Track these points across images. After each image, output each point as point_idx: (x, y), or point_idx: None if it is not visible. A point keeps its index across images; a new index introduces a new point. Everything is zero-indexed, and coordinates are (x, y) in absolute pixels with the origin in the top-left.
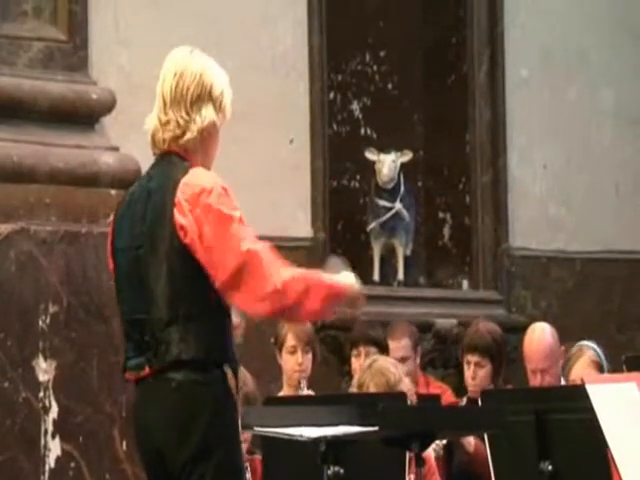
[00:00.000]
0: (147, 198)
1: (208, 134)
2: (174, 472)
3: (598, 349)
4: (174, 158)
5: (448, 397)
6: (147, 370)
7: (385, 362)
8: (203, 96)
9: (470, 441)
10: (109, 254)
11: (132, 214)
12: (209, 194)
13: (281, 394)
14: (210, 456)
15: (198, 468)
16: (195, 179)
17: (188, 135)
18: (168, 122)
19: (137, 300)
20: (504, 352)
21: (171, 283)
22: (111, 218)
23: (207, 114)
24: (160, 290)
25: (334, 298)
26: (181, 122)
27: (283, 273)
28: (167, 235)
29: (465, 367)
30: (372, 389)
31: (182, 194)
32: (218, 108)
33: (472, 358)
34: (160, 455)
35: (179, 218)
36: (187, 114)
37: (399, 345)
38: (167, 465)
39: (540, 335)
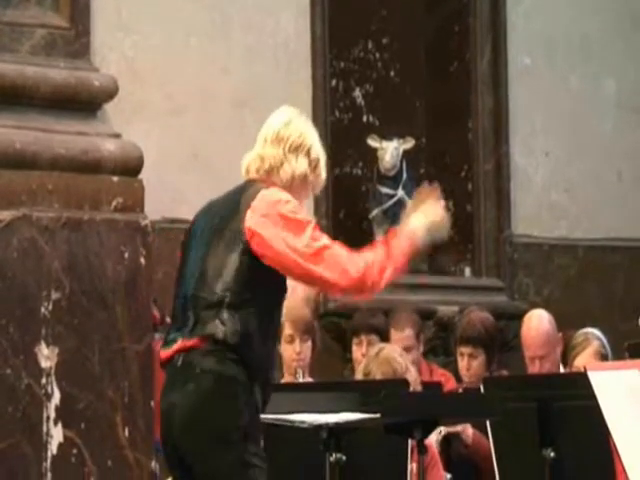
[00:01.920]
0: (228, 200)
1: (298, 185)
2: (188, 460)
3: (603, 338)
4: (261, 183)
5: (452, 384)
6: (179, 343)
7: (392, 351)
8: (302, 149)
9: (468, 433)
10: (183, 241)
11: (209, 212)
12: (285, 204)
13: (284, 381)
14: (224, 451)
15: (208, 462)
16: (274, 192)
17: (281, 173)
18: (265, 157)
19: (190, 280)
20: (497, 341)
21: (224, 269)
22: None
23: (302, 163)
24: (212, 273)
25: (411, 255)
26: (277, 159)
27: (357, 260)
28: (234, 229)
29: (459, 358)
30: (379, 377)
31: (259, 202)
32: (312, 168)
33: (465, 350)
34: (177, 441)
35: (250, 219)
36: (284, 155)
37: (402, 335)
38: (182, 451)
39: (538, 322)
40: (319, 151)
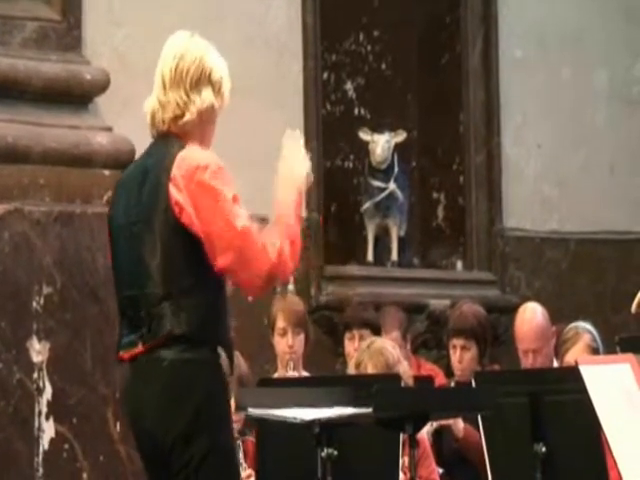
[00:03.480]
0: (144, 175)
1: (207, 117)
2: (164, 452)
3: (594, 331)
4: (172, 139)
5: (440, 379)
6: (140, 347)
7: (383, 343)
8: (203, 79)
9: (459, 427)
10: (108, 232)
11: (128, 192)
12: (204, 170)
13: (276, 375)
14: (200, 438)
15: (187, 449)
16: (191, 156)
17: (187, 116)
18: (168, 103)
19: (133, 276)
20: (489, 333)
21: (166, 258)
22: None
23: (206, 96)
24: (155, 265)
25: (298, 228)
26: (180, 103)
27: (270, 246)
28: (162, 210)
29: (451, 351)
30: (370, 369)
31: (178, 170)
32: (217, 92)
33: (458, 342)
34: (151, 435)
35: (174, 193)
36: (186, 95)
37: (390, 337)
38: (157, 445)
39: (531, 315)
40: (220, 68)
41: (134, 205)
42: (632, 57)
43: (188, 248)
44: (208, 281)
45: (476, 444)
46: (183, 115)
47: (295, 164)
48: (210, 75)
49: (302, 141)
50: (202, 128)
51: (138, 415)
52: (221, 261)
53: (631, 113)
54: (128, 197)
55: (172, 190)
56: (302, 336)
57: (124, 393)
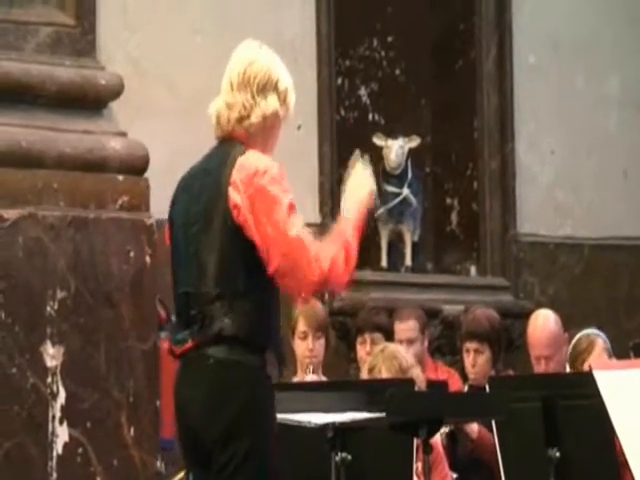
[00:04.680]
0: (204, 176)
1: (270, 123)
2: (205, 449)
3: (603, 334)
4: (234, 143)
5: (456, 382)
6: (190, 343)
7: (397, 348)
8: (269, 86)
9: (474, 428)
10: (167, 230)
11: (188, 193)
12: (263, 175)
13: (295, 379)
14: (239, 440)
15: (227, 450)
16: (251, 161)
17: (252, 118)
18: (234, 103)
19: (189, 275)
20: (502, 337)
21: (221, 259)
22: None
23: (272, 102)
24: (210, 265)
25: (360, 232)
26: (247, 105)
27: (324, 253)
28: (221, 212)
29: (464, 355)
30: (384, 372)
31: (238, 173)
32: (282, 102)
33: (471, 345)
34: (193, 433)
35: (233, 196)
36: (252, 98)
37: (406, 327)
38: (198, 443)
39: (544, 322)
40: (286, 79)
41: (193, 206)
42: None
43: (244, 251)
44: (261, 285)
45: (490, 446)
46: (248, 117)
47: (361, 183)
48: (276, 84)
49: (369, 164)
50: (265, 134)
51: (183, 411)
52: (273, 266)
53: None
54: (188, 198)
55: (231, 193)
56: (322, 340)
57: (175, 385)
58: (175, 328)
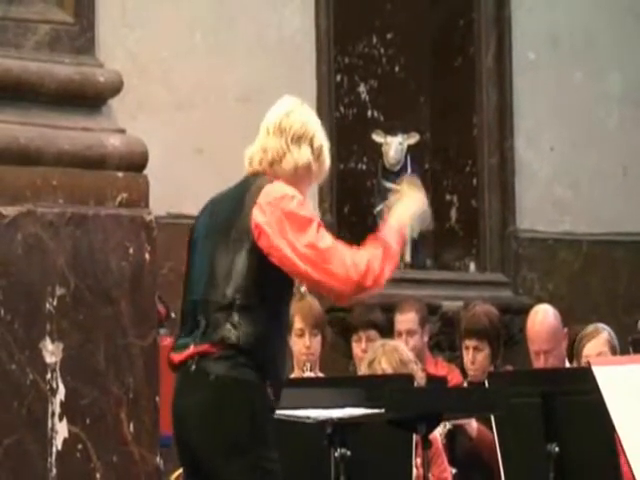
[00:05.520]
0: (229, 198)
1: (301, 174)
2: (203, 466)
3: (612, 333)
4: (264, 176)
5: (456, 377)
6: (191, 349)
7: (397, 343)
8: (304, 138)
9: (473, 426)
10: (187, 244)
11: (213, 208)
12: (291, 199)
13: (292, 376)
14: (238, 458)
15: (226, 468)
16: (278, 187)
17: (284, 164)
18: (268, 147)
19: (199, 284)
20: (502, 333)
21: (234, 272)
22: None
23: (305, 153)
24: (222, 277)
25: (401, 246)
26: (280, 151)
27: (359, 261)
28: (240, 227)
29: (464, 352)
30: (384, 364)
31: (265, 197)
32: (316, 157)
33: (470, 343)
34: (191, 448)
35: (257, 216)
36: (287, 146)
37: (406, 318)
38: (196, 458)
39: (543, 317)
40: (322, 139)
41: (214, 220)
42: None
43: (258, 270)
44: (271, 303)
45: (490, 444)
46: (280, 162)
47: (416, 202)
48: (312, 138)
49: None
50: (294, 182)
51: (181, 425)
52: (310, 275)
53: None
54: (212, 213)
55: (255, 213)
56: (319, 337)
57: (173, 398)
58: (178, 335)
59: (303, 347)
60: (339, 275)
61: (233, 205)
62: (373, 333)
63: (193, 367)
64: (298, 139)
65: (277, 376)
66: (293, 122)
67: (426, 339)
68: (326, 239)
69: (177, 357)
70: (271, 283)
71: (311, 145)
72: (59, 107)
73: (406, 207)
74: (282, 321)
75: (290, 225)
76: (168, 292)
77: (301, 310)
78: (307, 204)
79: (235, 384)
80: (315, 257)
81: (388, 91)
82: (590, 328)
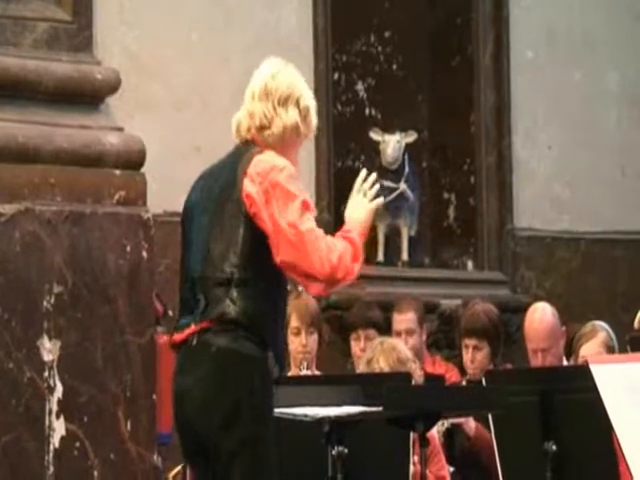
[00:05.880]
0: (220, 171)
1: (290, 137)
2: (203, 439)
3: (611, 331)
4: (254, 145)
5: (454, 376)
6: (192, 327)
7: (396, 341)
8: (291, 100)
9: (471, 425)
10: (181, 223)
11: (204, 184)
12: (280, 171)
13: (289, 374)
14: (237, 430)
15: (225, 440)
16: (268, 157)
17: (273, 129)
18: (255, 112)
19: (195, 261)
20: (501, 332)
21: (229, 246)
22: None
23: (292, 115)
24: (218, 252)
25: (363, 241)
26: (267, 114)
27: (335, 249)
28: (233, 200)
29: (463, 351)
30: (382, 363)
31: (254, 167)
32: (303, 118)
33: (470, 342)
34: (191, 422)
35: (247, 186)
36: (274, 109)
37: (404, 318)
38: (197, 432)
39: (541, 315)
40: (309, 99)
41: (207, 195)
42: None
43: (253, 241)
44: (269, 276)
45: (487, 443)
46: (269, 127)
47: (361, 206)
48: (299, 99)
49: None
50: (284, 147)
51: (182, 399)
52: (284, 257)
53: None
54: (202, 189)
55: (246, 183)
56: (315, 336)
57: (173, 375)
58: (179, 315)
59: (300, 345)
60: (313, 261)
61: (225, 178)
62: (372, 332)
63: (194, 342)
64: (285, 101)
65: (278, 347)
66: (279, 84)
67: (424, 338)
68: (308, 221)
69: (179, 337)
70: (269, 254)
71: (298, 106)
72: (57, 105)
73: (361, 206)
74: (281, 293)
75: (276, 198)
76: (165, 290)
77: (297, 308)
78: (296, 178)
79: (236, 357)
80: (293, 237)
81: (386, 89)
82: (588, 327)
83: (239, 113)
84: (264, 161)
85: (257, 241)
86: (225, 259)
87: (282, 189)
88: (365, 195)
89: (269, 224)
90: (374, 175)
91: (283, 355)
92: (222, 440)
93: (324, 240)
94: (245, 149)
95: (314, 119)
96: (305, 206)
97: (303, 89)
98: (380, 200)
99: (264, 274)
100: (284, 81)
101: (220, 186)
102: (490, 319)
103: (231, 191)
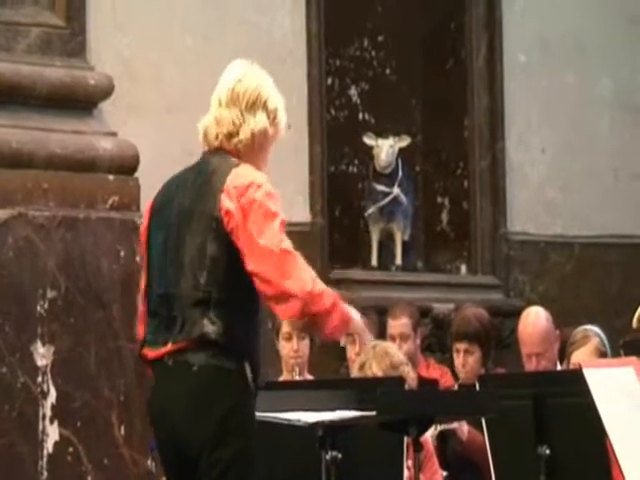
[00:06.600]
0: (193, 180)
1: (259, 142)
2: (187, 457)
3: (603, 335)
4: (226, 155)
5: (448, 380)
6: (169, 346)
7: (388, 344)
8: (258, 104)
9: (463, 429)
10: (142, 234)
11: (174, 196)
12: (258, 188)
13: (280, 379)
14: (223, 447)
15: (211, 457)
16: (247, 172)
17: (241, 135)
18: (222, 119)
19: (170, 276)
20: (492, 336)
21: (206, 263)
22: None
23: (260, 120)
24: (195, 269)
25: (348, 324)
26: (235, 121)
27: (318, 281)
28: (209, 216)
29: (455, 355)
30: (375, 368)
31: (231, 182)
32: (272, 121)
33: (461, 346)
34: (175, 440)
35: (226, 202)
36: (241, 115)
37: (398, 323)
38: (181, 450)
39: (535, 319)
40: (276, 101)
41: (178, 207)
42: (636, 63)
43: (230, 258)
44: (245, 292)
45: (480, 447)
46: (237, 134)
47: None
48: (266, 102)
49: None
50: (254, 152)
51: (163, 419)
52: (257, 270)
53: (635, 118)
54: (171, 200)
55: (223, 199)
56: (307, 340)
57: (150, 395)
58: (149, 329)
59: (291, 351)
60: (293, 278)
61: (198, 190)
62: (367, 336)
63: (171, 361)
64: (252, 106)
65: (254, 357)
66: (246, 88)
67: (418, 342)
68: (286, 241)
69: (152, 353)
70: (244, 273)
71: (266, 109)
72: (50, 110)
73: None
74: (258, 310)
75: (254, 216)
76: None
77: None
78: (275, 195)
79: (217, 372)
80: (273, 256)
81: (379, 94)
82: (579, 333)
83: (205, 120)
84: (242, 176)
85: (233, 259)
86: (200, 274)
87: (261, 206)
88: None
89: (246, 242)
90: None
91: (259, 363)
92: (210, 458)
93: (305, 265)
94: (218, 159)
95: (283, 118)
96: (283, 225)
97: (270, 90)
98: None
99: (241, 291)
100: (251, 84)
101: (191, 199)
102: (481, 323)
103: (205, 206)
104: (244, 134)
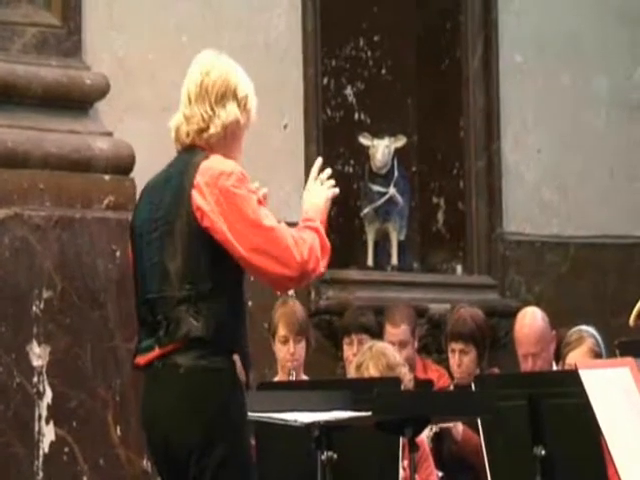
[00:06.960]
0: (165, 183)
1: (231, 132)
2: (180, 460)
3: (598, 336)
4: (196, 150)
5: (445, 381)
6: (157, 350)
7: (385, 345)
8: (228, 94)
9: (458, 430)
10: (130, 239)
11: (151, 199)
12: (228, 177)
13: (277, 380)
14: (216, 447)
15: (203, 459)
16: (215, 163)
17: (212, 130)
18: (192, 116)
19: (152, 281)
20: (487, 336)
21: (185, 262)
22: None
23: (231, 111)
24: (174, 269)
25: (325, 218)
26: (205, 116)
27: (300, 242)
28: (184, 215)
29: (450, 355)
30: (372, 369)
31: (201, 177)
32: (243, 108)
33: (456, 346)
34: (166, 442)
35: (197, 199)
36: (211, 109)
37: (398, 330)
38: (173, 453)
39: (531, 319)
40: (245, 87)
41: (155, 212)
42: (631, 63)
43: (208, 253)
44: (227, 287)
45: (475, 447)
46: (208, 128)
47: (318, 194)
48: (235, 91)
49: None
50: (227, 143)
51: (153, 422)
52: (251, 260)
53: (630, 118)
54: (150, 204)
55: (195, 196)
56: (303, 343)
57: (142, 400)
58: (141, 337)
59: (288, 354)
60: (283, 257)
61: (172, 192)
62: (365, 337)
63: (160, 365)
64: (222, 98)
65: (243, 349)
66: (215, 81)
67: (416, 345)
68: (268, 218)
69: (142, 359)
70: (223, 267)
71: (236, 98)
72: (46, 110)
73: (319, 194)
74: (240, 301)
75: (229, 205)
76: None
77: (285, 316)
78: (246, 179)
79: (205, 373)
80: (258, 238)
81: (375, 94)
82: (574, 334)
83: (175, 118)
84: (211, 168)
85: (212, 254)
86: (184, 277)
87: (233, 195)
88: (322, 184)
89: (228, 233)
90: (329, 170)
91: (248, 352)
92: (202, 459)
93: (290, 234)
94: (189, 156)
95: (253, 105)
96: (260, 203)
97: (239, 77)
98: (336, 190)
99: (223, 287)
100: (219, 76)
101: (168, 201)
102: (476, 323)
103: (179, 206)
104: (215, 128)
